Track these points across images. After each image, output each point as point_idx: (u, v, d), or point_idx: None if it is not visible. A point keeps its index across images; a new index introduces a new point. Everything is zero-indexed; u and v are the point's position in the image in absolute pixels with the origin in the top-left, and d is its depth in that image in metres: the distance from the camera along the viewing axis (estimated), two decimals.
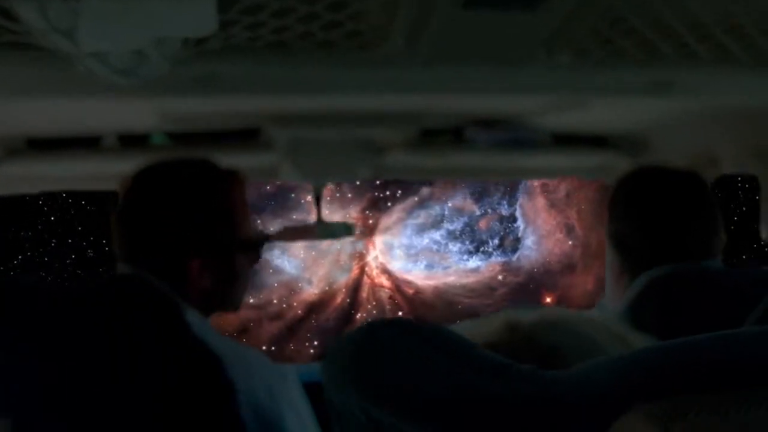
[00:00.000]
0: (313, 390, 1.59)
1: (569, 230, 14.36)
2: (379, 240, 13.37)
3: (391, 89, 1.51)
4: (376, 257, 13.40)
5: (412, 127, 1.97)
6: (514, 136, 2.01)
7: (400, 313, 13.47)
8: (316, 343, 13.04)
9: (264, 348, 11.86)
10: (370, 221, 12.42)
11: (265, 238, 1.71)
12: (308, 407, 1.52)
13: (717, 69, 1.49)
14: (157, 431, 1.35)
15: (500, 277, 13.84)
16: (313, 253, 12.27)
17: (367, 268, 12.89)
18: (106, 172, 1.78)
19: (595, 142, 2.23)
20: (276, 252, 11.32)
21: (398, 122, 1.90)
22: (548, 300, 13.75)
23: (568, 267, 13.78)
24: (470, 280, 13.73)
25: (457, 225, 13.85)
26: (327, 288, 12.60)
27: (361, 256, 13.03)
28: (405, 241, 13.13)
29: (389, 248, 13.42)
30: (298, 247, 11.51)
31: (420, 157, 2.12)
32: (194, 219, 1.56)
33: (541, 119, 1.98)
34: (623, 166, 2.21)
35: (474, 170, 2.31)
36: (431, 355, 0.80)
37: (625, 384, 0.72)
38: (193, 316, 1.47)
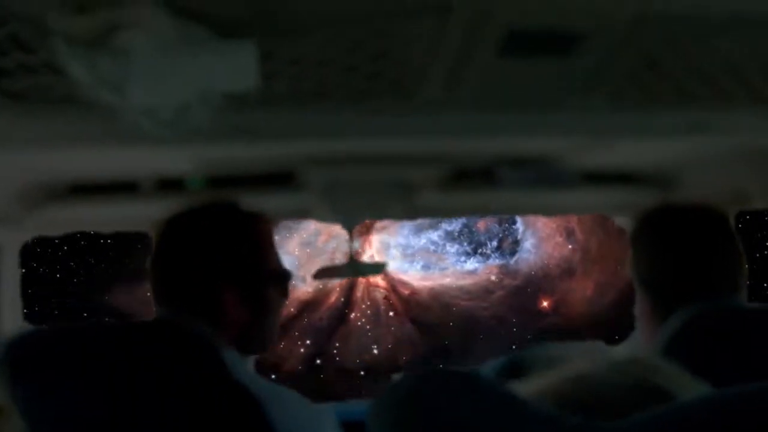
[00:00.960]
0: (350, 428, 1.60)
1: (569, 234, 14.15)
2: (375, 239, 13.25)
3: (427, 134, 1.53)
4: (372, 256, 13.27)
5: (444, 167, 1.98)
6: (544, 176, 2.02)
7: (391, 314, 13.32)
8: (308, 342, 12.99)
9: None
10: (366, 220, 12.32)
11: (291, 273, 1.72)
12: None
13: (751, 110, 1.49)
14: None
15: (498, 280, 13.70)
16: (308, 250, 12.18)
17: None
18: (143, 215, 1.81)
19: (624, 179, 2.23)
20: None
21: (431, 163, 1.91)
22: (545, 304, 13.59)
23: (567, 271, 13.62)
24: (467, 282, 13.57)
25: (455, 226, 13.66)
26: (321, 286, 12.45)
27: (357, 255, 12.83)
28: (402, 240, 13.04)
29: (386, 247, 13.26)
30: (293, 245, 11.40)
31: (451, 196, 2.13)
32: (224, 256, 1.57)
33: (571, 159, 1.99)
34: (651, 202, 2.21)
35: (504, 208, 2.32)
36: (484, 411, 0.79)
37: None
38: (231, 357, 1.48)
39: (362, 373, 13.23)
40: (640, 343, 2.20)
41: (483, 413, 0.80)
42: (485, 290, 13.70)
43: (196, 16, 1.10)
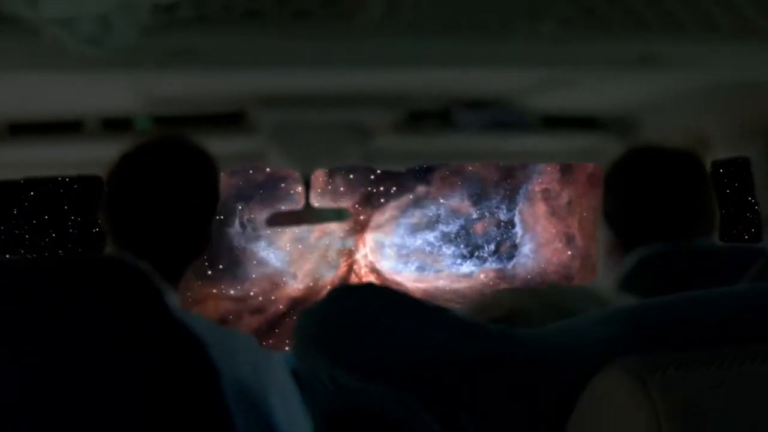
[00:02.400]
0: None
1: (569, 240, 14.11)
2: (369, 237, 13.12)
3: (371, 61, 1.48)
4: (366, 255, 13.19)
5: (399, 109, 1.94)
6: (502, 118, 1.98)
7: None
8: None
9: None
10: (362, 217, 12.15)
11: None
12: (295, 390, 1.49)
13: (704, 40, 1.46)
14: (139, 417, 1.32)
15: (494, 284, 13.68)
16: (300, 246, 12.09)
17: (355, 266, 12.47)
18: (90, 158, 1.76)
19: (585, 123, 2.21)
20: (261, 244, 11.03)
21: (385, 104, 1.88)
22: None
23: (566, 278, 13.60)
24: (462, 285, 13.50)
25: (452, 227, 13.56)
26: (312, 284, 12.29)
27: (349, 253, 12.75)
28: (397, 240, 12.84)
29: (380, 247, 13.17)
30: (285, 240, 11.28)
31: (408, 140, 2.09)
32: (175, 194, 1.52)
33: (529, 100, 1.95)
34: (614, 148, 2.19)
35: (462, 153, 2.28)
36: (400, 318, 0.77)
37: (603, 340, 0.70)
38: (173, 299, 1.44)
39: None
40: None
41: (404, 323, 0.78)
42: (481, 294, 13.66)
43: None
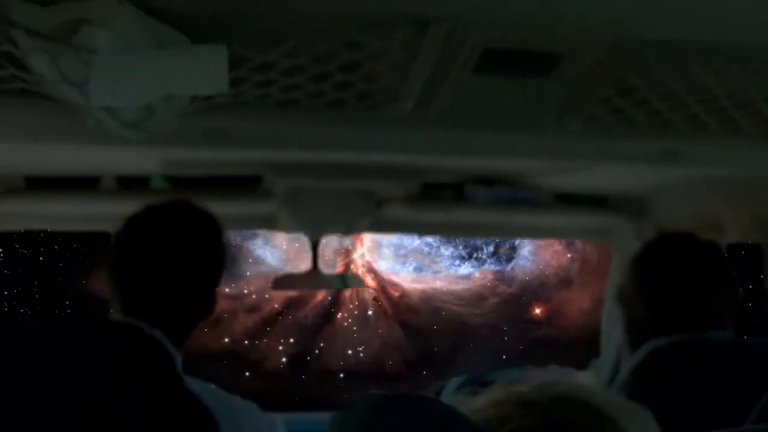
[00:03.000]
0: None
1: (569, 243, 13.89)
2: (367, 237, 12.79)
3: (398, 149, 1.50)
4: (363, 255, 12.94)
5: (413, 181, 1.96)
6: (515, 195, 2.00)
7: (379, 316, 13.02)
8: (291, 340, 12.45)
9: (236, 341, 11.29)
10: None
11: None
12: None
13: (725, 140, 1.49)
14: None
15: (492, 286, 13.28)
16: (297, 245, 11.87)
17: (352, 266, 12.23)
18: (104, 214, 1.76)
19: (597, 203, 2.23)
20: (258, 242, 10.83)
21: (400, 177, 1.89)
22: (539, 314, 13.31)
23: (565, 281, 13.35)
24: (460, 287, 13.21)
25: None
26: None
27: (347, 253, 12.36)
28: (395, 240, 12.42)
29: (377, 246, 12.78)
30: (281, 239, 11.05)
31: (420, 211, 2.10)
32: (186, 260, 1.54)
33: (542, 180, 1.97)
34: (625, 228, 2.21)
35: (474, 227, 2.29)
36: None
37: None
38: (180, 365, 1.44)
39: (344, 376, 12.99)
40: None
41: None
42: (478, 296, 13.20)
43: (166, 17, 1.07)
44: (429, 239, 12.88)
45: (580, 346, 12.73)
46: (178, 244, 1.54)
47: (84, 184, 1.94)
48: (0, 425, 1.31)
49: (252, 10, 1.08)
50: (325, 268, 2.20)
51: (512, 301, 13.35)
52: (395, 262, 12.83)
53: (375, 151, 1.55)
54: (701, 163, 1.58)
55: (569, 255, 13.63)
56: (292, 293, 11.63)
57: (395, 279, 12.88)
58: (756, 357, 1.52)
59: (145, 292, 1.50)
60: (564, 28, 1.14)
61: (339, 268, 11.77)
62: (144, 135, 1.15)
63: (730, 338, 1.60)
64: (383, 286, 12.70)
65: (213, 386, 1.50)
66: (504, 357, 13.02)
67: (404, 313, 13.23)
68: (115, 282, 1.53)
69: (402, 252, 12.86)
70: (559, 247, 13.59)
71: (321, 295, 11.81)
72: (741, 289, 1.67)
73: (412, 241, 12.46)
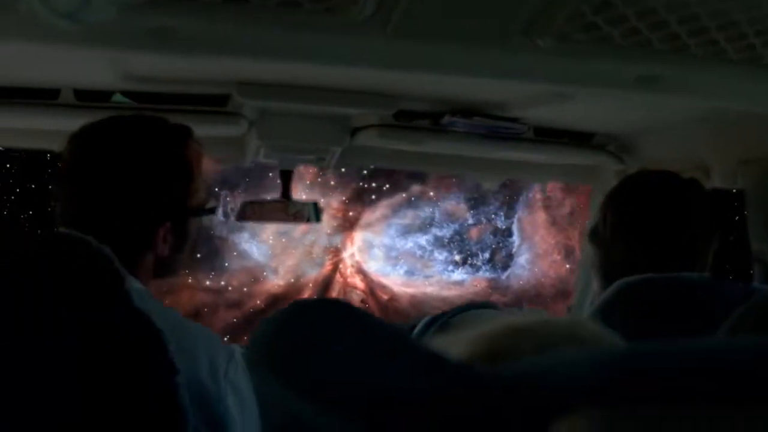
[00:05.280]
0: None
1: (568, 252, 13.47)
2: (358, 236, 12.39)
3: (360, 61, 1.42)
4: (353, 255, 12.79)
5: (388, 107, 1.89)
6: (494, 126, 1.93)
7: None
8: None
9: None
10: (351, 214, 11.75)
11: (215, 209, 1.61)
12: (252, 391, 1.44)
13: (708, 66, 1.42)
14: (84, 409, 1.26)
15: (485, 295, 13.22)
16: (284, 240, 11.78)
17: (341, 266, 12.04)
18: (63, 130, 1.70)
19: (580, 140, 2.16)
20: (244, 235, 10.73)
21: (373, 102, 1.82)
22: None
23: (562, 293, 13.21)
24: (452, 293, 13.05)
25: (446, 231, 12.93)
26: (293, 281, 11.78)
27: (336, 252, 12.07)
28: (387, 241, 12.17)
29: (368, 247, 12.58)
30: (268, 233, 10.97)
31: (394, 141, 2.04)
32: (157, 181, 1.45)
33: (523, 112, 1.90)
34: (609, 169, 2.14)
35: (451, 160, 2.23)
36: (361, 345, 0.72)
37: (572, 385, 0.65)
38: (134, 284, 1.38)
39: None
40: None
41: (363, 352, 0.73)
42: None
43: None
44: (422, 242, 12.77)
45: None
46: (131, 155, 1.45)
47: (42, 97, 1.86)
48: None
49: None
50: (296, 198, 2.15)
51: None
52: (386, 263, 12.55)
53: (339, 65, 1.48)
54: (682, 90, 1.50)
55: (568, 266, 13.50)
56: (275, 291, 11.62)
57: (385, 281, 12.67)
58: (730, 300, 1.47)
59: (93, 206, 1.43)
60: None
61: (327, 267, 11.66)
62: (80, 26, 1.08)
63: (704, 279, 1.56)
64: (372, 288, 12.47)
65: (171, 309, 1.44)
66: None
67: (392, 317, 13.06)
68: (62, 195, 1.46)
69: (393, 254, 12.67)
70: (558, 257, 13.47)
71: (307, 293, 11.57)
72: (721, 231, 1.62)
73: (405, 243, 12.32)
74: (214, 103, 1.90)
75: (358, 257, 12.89)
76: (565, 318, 0.82)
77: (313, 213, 2.22)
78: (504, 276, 13.55)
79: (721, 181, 1.91)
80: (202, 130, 1.74)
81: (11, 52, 1.53)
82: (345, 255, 12.73)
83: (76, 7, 1.06)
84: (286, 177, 2.12)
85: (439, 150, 2.11)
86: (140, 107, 1.87)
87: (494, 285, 13.48)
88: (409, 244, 12.78)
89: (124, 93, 1.89)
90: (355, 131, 2.00)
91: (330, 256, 11.78)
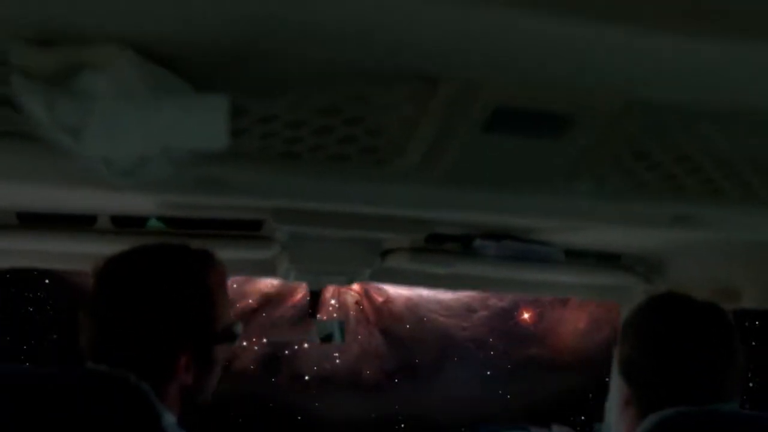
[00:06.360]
0: None
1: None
2: None
3: (403, 205, 1.46)
4: None
5: (420, 232, 1.91)
6: (525, 251, 1.96)
7: (360, 321, 12.68)
8: (264, 340, 12.19)
9: None
10: None
11: (240, 332, 1.60)
12: None
13: (740, 206, 1.45)
14: None
15: (482, 299, 12.79)
16: None
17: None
18: (99, 253, 1.74)
19: (609, 261, 2.18)
20: None
21: (405, 228, 1.85)
22: (531, 332, 12.80)
23: (561, 299, 13.04)
24: (448, 296, 12.67)
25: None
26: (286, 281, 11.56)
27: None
28: None
29: None
30: None
31: (425, 263, 2.06)
32: (177, 309, 1.44)
33: (552, 236, 1.93)
34: (637, 288, 2.16)
35: (481, 281, 2.25)
36: None
37: None
38: (169, 421, 1.37)
39: (318, 382, 12.54)
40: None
41: None
42: (467, 308, 12.82)
43: (168, 63, 1.03)
44: None
45: (572, 370, 12.41)
46: (146, 284, 1.44)
47: (79, 223, 1.91)
48: None
49: (255, 57, 1.04)
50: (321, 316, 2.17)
51: (503, 316, 13.01)
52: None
53: (379, 205, 1.52)
54: (715, 227, 1.54)
55: None
56: (268, 290, 11.27)
57: (379, 283, 12.46)
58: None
59: (112, 336, 1.42)
60: (576, 88, 1.11)
61: None
62: (137, 181, 1.11)
63: (736, 410, 1.55)
64: (367, 289, 12.25)
65: None
66: (489, 374, 12.72)
67: (386, 320, 12.82)
68: (84, 326, 1.46)
69: None
70: None
71: (300, 294, 11.16)
72: (748, 358, 1.62)
73: None
74: (247, 228, 1.94)
75: None
76: None
77: (338, 332, 2.24)
78: None
79: (752, 303, 1.92)
80: (236, 253, 1.76)
81: (50, 189, 1.57)
82: None
83: (135, 166, 1.10)
84: (315, 297, 2.14)
85: (470, 271, 2.13)
86: (174, 232, 1.91)
87: None
88: None
89: (159, 218, 1.93)
90: (385, 253, 2.02)
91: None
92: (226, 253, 1.59)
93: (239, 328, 1.57)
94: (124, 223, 1.93)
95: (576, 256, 2.13)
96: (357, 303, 12.68)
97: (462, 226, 1.92)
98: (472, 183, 1.35)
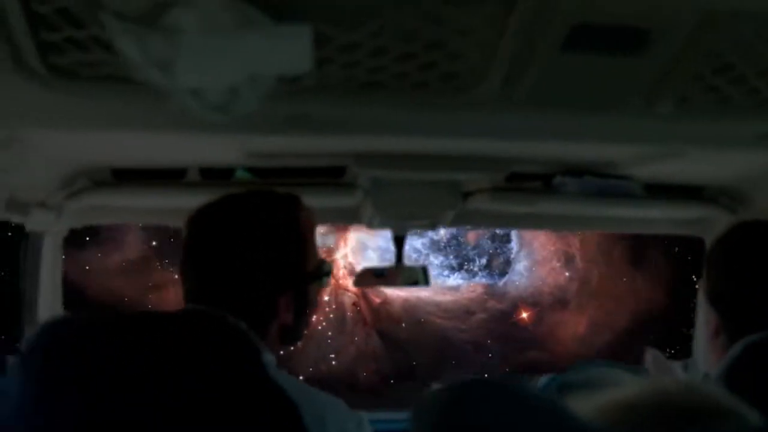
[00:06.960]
0: None
1: (568, 260, 13.17)
2: (352, 237, 12.47)
3: (484, 134, 1.47)
4: (346, 256, 12.57)
5: (500, 171, 1.92)
6: (605, 185, 1.94)
7: (358, 322, 12.57)
8: None
9: None
10: None
11: (332, 268, 1.65)
12: None
13: None
14: None
15: (481, 301, 12.86)
16: None
17: (333, 267, 11.90)
18: (189, 207, 1.80)
19: (692, 194, 2.15)
20: None
21: (486, 167, 1.86)
22: (530, 335, 12.63)
23: (560, 302, 12.65)
24: (447, 298, 12.73)
25: (443, 235, 12.89)
26: None
27: (329, 252, 12.09)
28: (381, 242, 12.09)
29: (362, 248, 12.53)
30: None
31: (506, 203, 2.07)
32: (274, 252, 1.50)
33: (632, 169, 1.91)
34: (721, 222, 2.12)
35: (562, 220, 2.24)
36: (523, 423, 0.75)
37: None
38: (269, 358, 1.42)
39: (313, 384, 12.62)
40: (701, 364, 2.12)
41: (528, 424, 0.76)
42: (465, 310, 12.90)
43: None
44: (417, 246, 12.42)
45: None
46: (242, 229, 1.50)
47: (169, 177, 1.97)
48: (94, 412, 1.32)
49: None
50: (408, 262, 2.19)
51: (501, 319, 13.01)
52: (380, 266, 12.26)
53: (461, 137, 1.53)
54: None
55: (567, 274, 12.98)
56: None
57: None
58: None
59: (213, 282, 1.48)
60: (654, 0, 1.10)
61: None
62: (228, 118, 1.15)
63: None
64: (364, 291, 12.31)
65: (299, 379, 1.48)
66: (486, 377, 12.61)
67: (384, 321, 12.87)
68: (184, 274, 1.52)
69: (388, 256, 12.36)
70: (557, 265, 12.98)
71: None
72: None
73: None
74: (331, 175, 1.97)
75: (351, 258, 12.53)
76: (703, 386, 0.82)
77: (423, 277, 2.26)
78: (501, 282, 13.03)
79: None
80: (320, 201, 1.80)
81: (143, 137, 1.63)
82: (338, 256, 12.40)
83: (226, 101, 1.14)
84: (400, 243, 2.16)
85: (551, 210, 2.13)
86: (261, 182, 1.95)
87: (490, 291, 12.94)
88: (404, 247, 12.37)
89: (246, 169, 1.97)
90: (467, 195, 2.03)
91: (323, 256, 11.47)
92: (310, 200, 1.63)
93: (329, 266, 1.61)
94: (212, 176, 1.98)
95: (657, 190, 2.10)
96: (354, 304, 12.66)
97: (541, 163, 1.91)
98: (550, 107, 1.35)
